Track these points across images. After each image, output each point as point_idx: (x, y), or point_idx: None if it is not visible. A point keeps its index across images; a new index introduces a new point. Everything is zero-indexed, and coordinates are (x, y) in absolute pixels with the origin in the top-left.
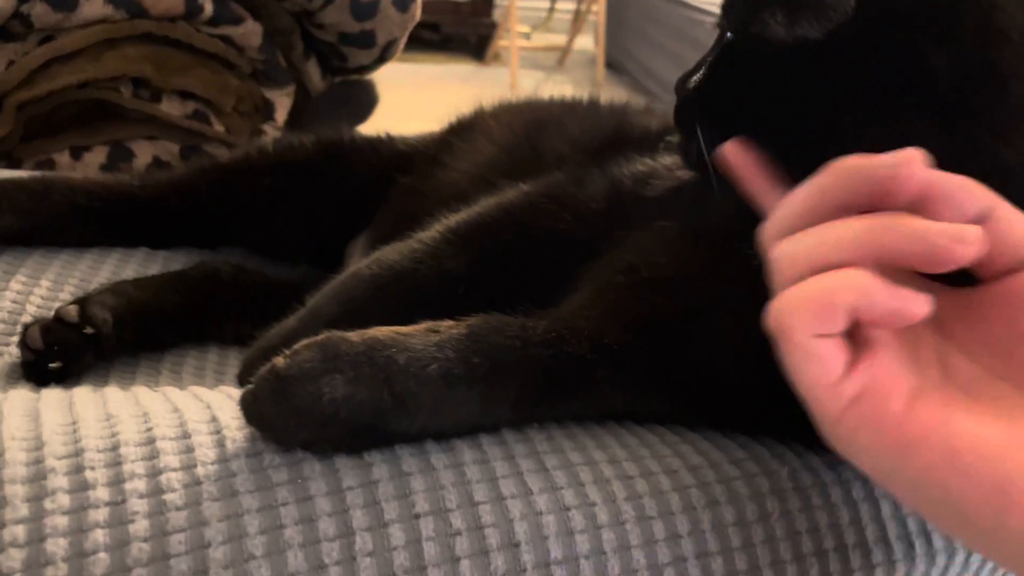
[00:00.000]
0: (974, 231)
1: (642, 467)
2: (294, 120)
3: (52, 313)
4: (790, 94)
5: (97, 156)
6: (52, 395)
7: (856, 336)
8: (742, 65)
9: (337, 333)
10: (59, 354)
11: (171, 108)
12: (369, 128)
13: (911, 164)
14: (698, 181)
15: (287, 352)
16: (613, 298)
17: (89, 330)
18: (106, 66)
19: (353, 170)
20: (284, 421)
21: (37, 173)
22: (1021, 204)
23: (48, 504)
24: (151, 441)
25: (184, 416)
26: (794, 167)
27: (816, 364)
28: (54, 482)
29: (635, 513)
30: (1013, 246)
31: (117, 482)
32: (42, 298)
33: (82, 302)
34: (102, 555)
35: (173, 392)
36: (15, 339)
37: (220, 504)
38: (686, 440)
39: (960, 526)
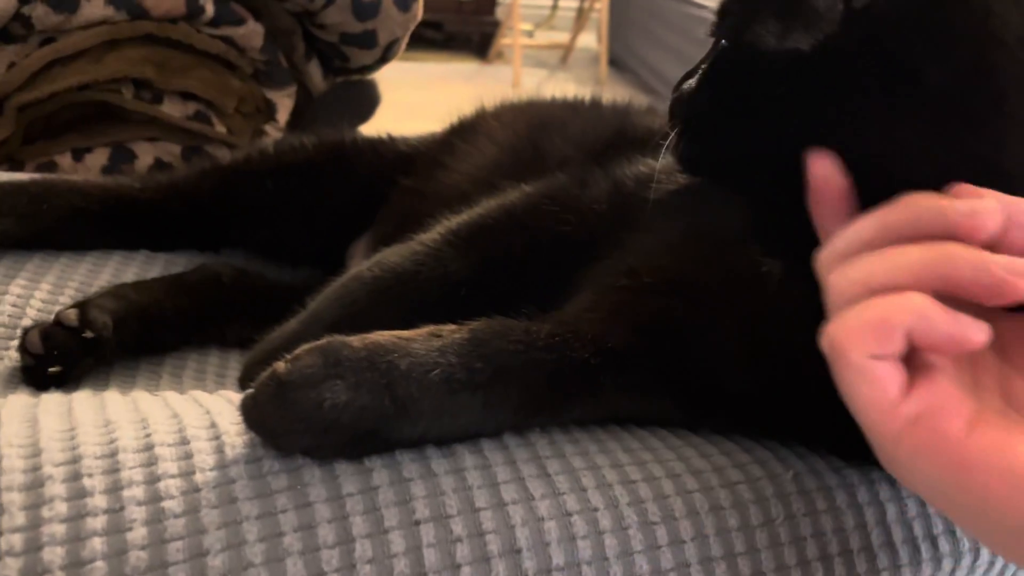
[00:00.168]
0: None
1: (645, 471)
2: (296, 121)
3: (52, 317)
4: (783, 105)
5: (99, 158)
6: (51, 400)
7: (914, 362)
8: (735, 74)
9: (339, 338)
10: (59, 358)
11: (172, 109)
12: (372, 128)
13: (990, 215)
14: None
15: (288, 357)
16: (616, 301)
17: (89, 334)
18: (107, 67)
19: (354, 171)
20: (285, 427)
21: (37, 176)
22: None
23: (45, 512)
24: (150, 447)
25: (183, 422)
26: (786, 180)
27: (872, 385)
28: (51, 490)
29: (638, 518)
30: None
31: (115, 489)
32: (42, 302)
33: (82, 306)
34: (100, 564)
35: (173, 397)
36: (15, 343)
37: (219, 511)
38: (689, 444)
39: (1021, 551)
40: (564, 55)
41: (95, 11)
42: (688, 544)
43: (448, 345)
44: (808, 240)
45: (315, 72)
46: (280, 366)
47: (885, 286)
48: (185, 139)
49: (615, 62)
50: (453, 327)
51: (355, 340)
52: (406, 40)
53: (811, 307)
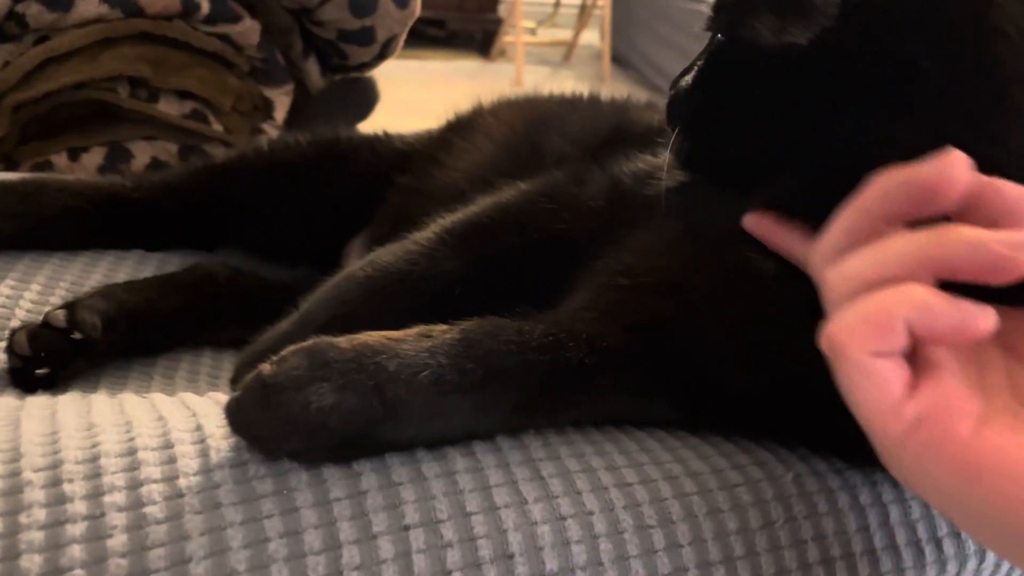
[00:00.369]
0: None
1: (641, 474)
2: (293, 119)
3: (41, 318)
4: (780, 100)
5: (95, 157)
6: (35, 404)
7: (918, 359)
8: (731, 70)
9: (326, 339)
10: (47, 360)
11: (169, 108)
12: (371, 126)
13: (957, 165)
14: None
15: (273, 359)
16: (612, 300)
17: (77, 335)
18: (103, 66)
19: (350, 170)
20: (270, 430)
21: (29, 175)
22: None
23: (23, 519)
24: (132, 452)
25: (168, 425)
26: (782, 177)
27: (874, 384)
28: (31, 496)
29: (634, 522)
30: None
31: (96, 495)
32: (32, 302)
33: (70, 307)
34: (78, 572)
35: (160, 399)
36: (2, 345)
37: (202, 517)
38: (687, 445)
39: None
40: (567, 52)
41: (90, 9)
42: (686, 548)
43: (438, 346)
44: None
45: (313, 69)
46: (265, 368)
47: (882, 278)
48: (182, 138)
49: (618, 59)
50: (444, 327)
51: (342, 341)
52: (404, 37)
53: (809, 306)
